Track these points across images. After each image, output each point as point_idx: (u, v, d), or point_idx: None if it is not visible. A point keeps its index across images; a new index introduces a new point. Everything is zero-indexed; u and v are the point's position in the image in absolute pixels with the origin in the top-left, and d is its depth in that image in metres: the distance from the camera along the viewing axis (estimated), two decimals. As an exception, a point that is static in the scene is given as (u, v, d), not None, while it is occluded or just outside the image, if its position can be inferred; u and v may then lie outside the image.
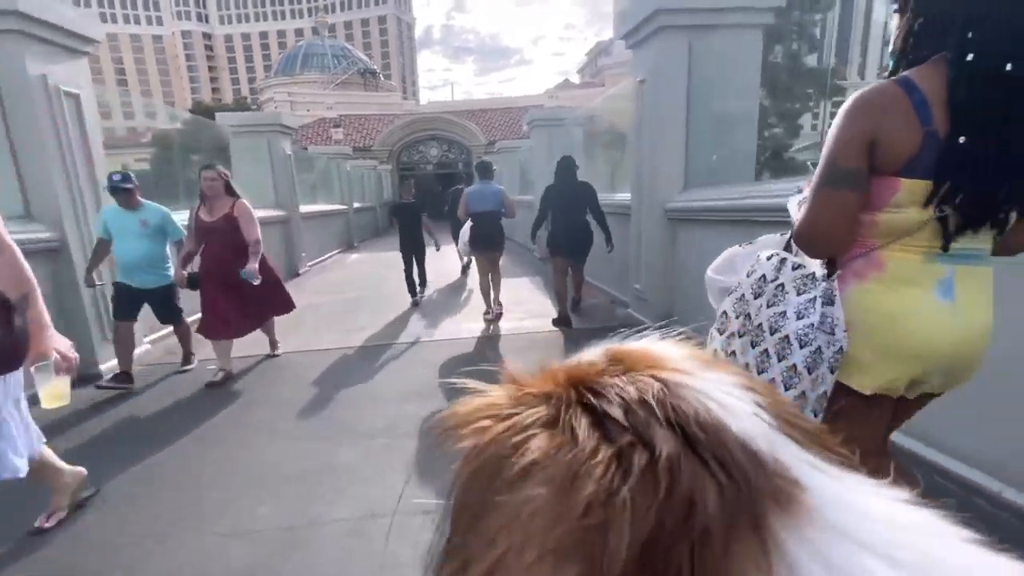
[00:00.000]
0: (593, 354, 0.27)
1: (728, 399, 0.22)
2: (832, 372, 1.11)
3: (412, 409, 3.08)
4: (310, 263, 9.52)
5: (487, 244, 4.89)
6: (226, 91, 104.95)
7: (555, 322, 4.77)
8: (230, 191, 3.67)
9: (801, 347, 1.10)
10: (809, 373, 1.10)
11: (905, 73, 1.04)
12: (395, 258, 6.26)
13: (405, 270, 5.92)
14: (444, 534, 0.24)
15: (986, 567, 0.19)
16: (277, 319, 4.29)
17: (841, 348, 1.09)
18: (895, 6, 1.09)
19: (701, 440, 0.20)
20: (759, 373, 1.16)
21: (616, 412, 0.22)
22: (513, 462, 0.21)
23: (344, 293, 6.91)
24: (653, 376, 0.23)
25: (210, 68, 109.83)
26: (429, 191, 17.49)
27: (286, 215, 8.43)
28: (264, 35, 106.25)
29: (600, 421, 0.22)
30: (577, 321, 4.88)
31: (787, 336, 1.12)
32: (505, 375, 0.27)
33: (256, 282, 3.59)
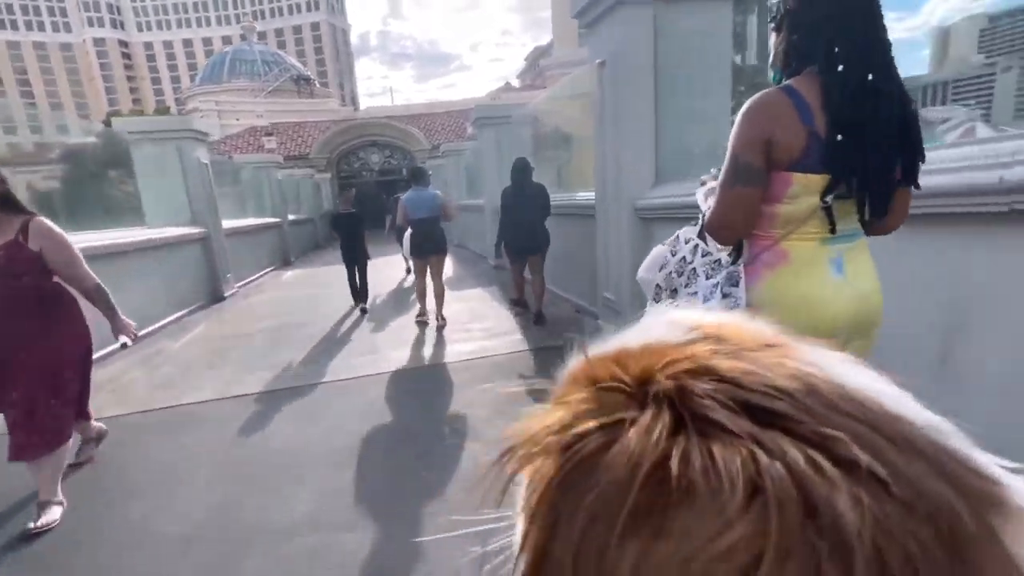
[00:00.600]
0: (601, 349, 0.23)
1: (871, 381, 0.19)
2: None
3: (347, 480, 2.38)
4: (238, 284, 8.49)
5: (428, 249, 4.92)
6: (148, 101, 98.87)
7: (514, 302, 5.23)
8: (9, 205, 2.17)
9: None
10: None
11: (787, 82, 1.20)
12: (335, 273, 6.41)
13: (348, 278, 6.06)
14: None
15: None
16: (193, 356, 3.44)
17: None
18: (772, 25, 1.26)
19: (870, 469, 0.16)
20: None
21: (784, 409, 0.17)
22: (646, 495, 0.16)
23: (273, 318, 6.03)
24: (786, 358, 0.19)
25: (129, 78, 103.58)
26: (375, 198, 16.54)
27: (204, 232, 7.40)
28: (188, 43, 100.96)
29: (722, 427, 0.17)
30: (542, 336, 4.39)
31: None
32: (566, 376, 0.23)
33: (131, 343, 2.53)
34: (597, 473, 0.17)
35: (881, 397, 0.18)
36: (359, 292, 5.99)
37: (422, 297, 5.19)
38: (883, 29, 1.15)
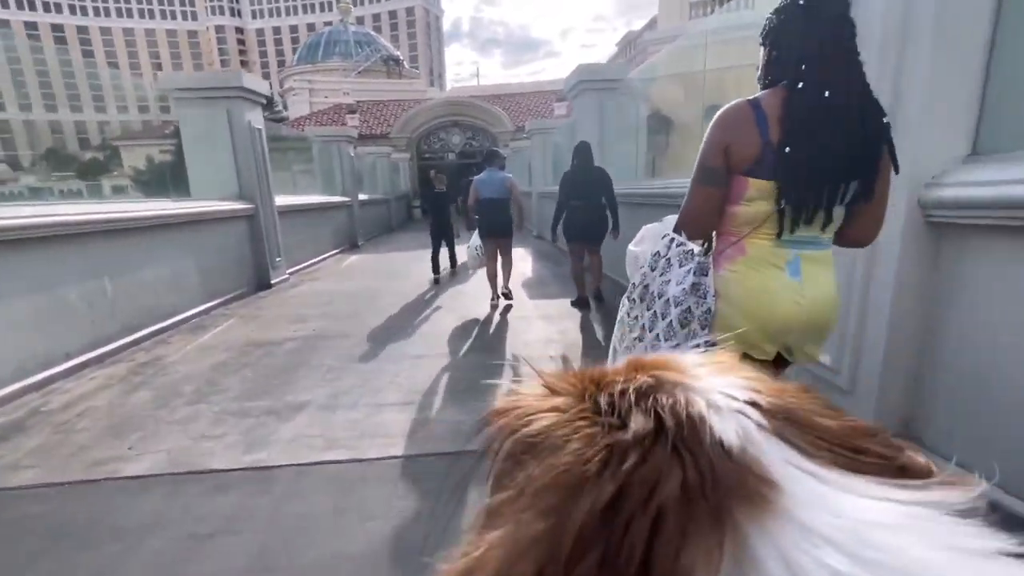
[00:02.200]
0: (622, 361, 0.29)
1: (719, 399, 0.23)
2: (703, 328, 1.31)
3: None
4: (290, 270, 7.51)
5: (494, 230, 4.97)
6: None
7: (573, 304, 4.94)
8: None
9: (675, 306, 1.34)
10: (682, 328, 1.32)
11: (757, 95, 1.29)
12: (403, 261, 7.15)
13: (432, 254, 6.68)
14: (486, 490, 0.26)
15: (970, 569, 0.18)
16: (184, 376, 2.22)
17: (709, 309, 1.31)
18: (760, 40, 1.32)
19: (675, 431, 0.22)
20: (650, 331, 1.38)
21: (604, 401, 0.25)
22: (525, 440, 0.25)
23: (314, 320, 4.82)
24: (653, 375, 0.26)
25: (243, 63, 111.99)
26: (459, 180, 15.40)
27: (251, 208, 6.40)
28: (294, 28, 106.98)
29: (595, 409, 0.25)
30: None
31: (668, 299, 1.35)
32: (538, 374, 0.29)
33: None
34: (519, 428, 0.26)
35: (694, 409, 0.23)
36: (451, 263, 6.97)
37: (493, 281, 5.18)
38: (853, 51, 1.20)
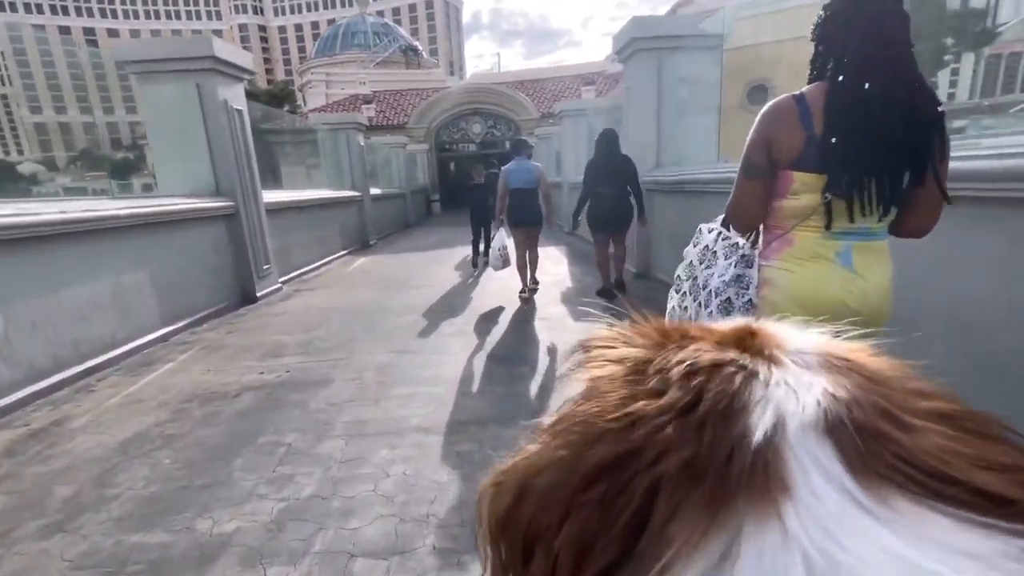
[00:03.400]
0: (728, 323, 0.29)
1: (780, 394, 0.22)
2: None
3: None
4: (284, 278, 6.40)
5: (524, 220, 4.81)
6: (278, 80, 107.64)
7: (598, 293, 4.86)
8: None
9: (716, 296, 1.37)
10: (723, 317, 1.22)
11: (802, 89, 1.28)
12: (419, 262, 7.28)
13: (473, 242, 6.98)
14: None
15: None
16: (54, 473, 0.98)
17: (750, 300, 1.35)
18: (811, 36, 1.32)
19: (707, 410, 0.22)
20: (695, 319, 1.41)
21: (660, 365, 0.25)
22: (585, 380, 0.27)
23: (287, 355, 3.65)
24: (729, 353, 0.25)
25: (265, 60, 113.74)
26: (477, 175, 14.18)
27: (231, 206, 5.27)
28: (316, 25, 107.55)
29: (651, 369, 0.25)
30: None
31: (712, 290, 1.39)
32: (635, 317, 0.30)
33: None
34: (593, 370, 0.27)
35: (740, 398, 0.22)
36: (486, 248, 6.53)
37: (523, 271, 5.02)
38: (901, 39, 1.18)
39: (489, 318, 4.40)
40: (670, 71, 5.12)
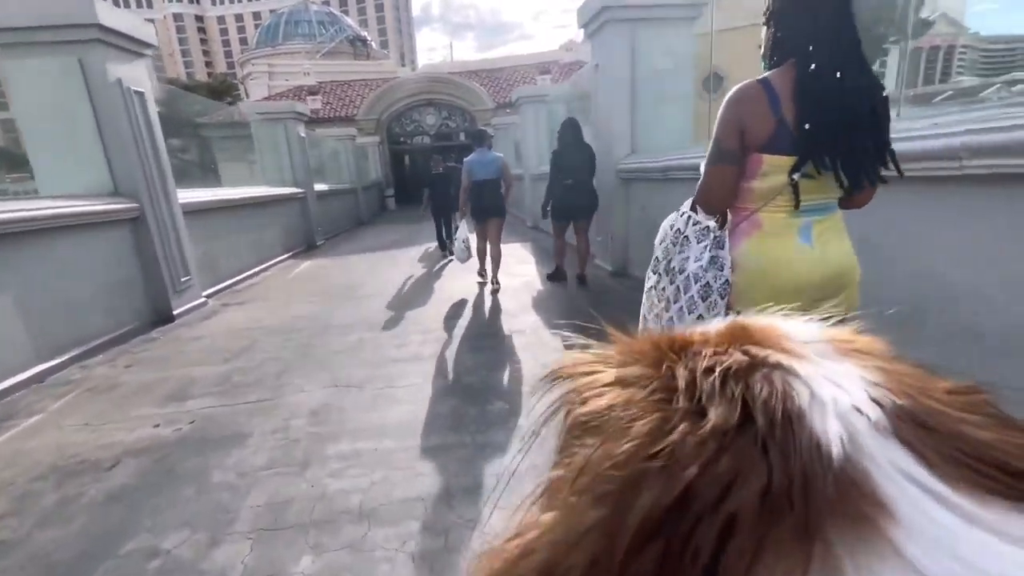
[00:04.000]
0: (717, 324, 0.26)
1: (828, 390, 0.19)
2: (722, 298, 1.36)
3: None
4: (212, 290, 5.51)
5: (487, 211, 4.82)
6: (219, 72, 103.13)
7: (549, 277, 5.07)
8: None
9: (696, 282, 1.39)
10: (703, 301, 1.38)
11: (766, 74, 1.31)
12: (370, 264, 7.00)
13: (436, 230, 7.40)
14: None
15: None
16: None
17: (727, 281, 1.37)
18: (762, 21, 1.36)
19: (765, 427, 0.18)
20: (674, 303, 1.44)
21: (683, 378, 0.21)
22: (586, 417, 0.22)
23: (194, 397, 2.87)
24: (748, 352, 0.22)
25: (204, 52, 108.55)
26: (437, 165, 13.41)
27: (134, 208, 4.37)
28: (258, 16, 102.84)
29: (670, 386, 0.21)
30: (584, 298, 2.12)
31: (689, 274, 1.40)
32: (613, 335, 0.26)
33: None
34: (579, 397, 0.23)
35: (793, 401, 0.19)
36: (448, 237, 7.00)
37: (482, 257, 5.12)
38: (853, 28, 1.25)
39: (452, 333, 3.73)
40: (645, 45, 4.55)
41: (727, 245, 1.38)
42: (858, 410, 0.18)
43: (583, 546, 0.18)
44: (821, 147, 1.24)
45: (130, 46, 4.44)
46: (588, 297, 4.48)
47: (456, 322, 4.02)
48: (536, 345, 3.34)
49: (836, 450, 0.17)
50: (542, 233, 8.32)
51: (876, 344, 0.24)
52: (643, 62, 4.61)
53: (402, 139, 20.02)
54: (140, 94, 4.50)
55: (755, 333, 0.23)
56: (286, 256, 8.14)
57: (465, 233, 5.02)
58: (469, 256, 5.12)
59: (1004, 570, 0.14)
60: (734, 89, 1.31)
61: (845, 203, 1.40)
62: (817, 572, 0.15)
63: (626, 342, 0.25)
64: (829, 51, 1.22)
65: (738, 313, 0.30)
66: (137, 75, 4.54)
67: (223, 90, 34.48)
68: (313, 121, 16.72)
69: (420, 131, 19.96)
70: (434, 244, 7.78)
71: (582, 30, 5.10)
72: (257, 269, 6.93)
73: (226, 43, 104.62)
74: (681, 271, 1.42)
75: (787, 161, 1.27)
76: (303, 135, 9.30)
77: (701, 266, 1.38)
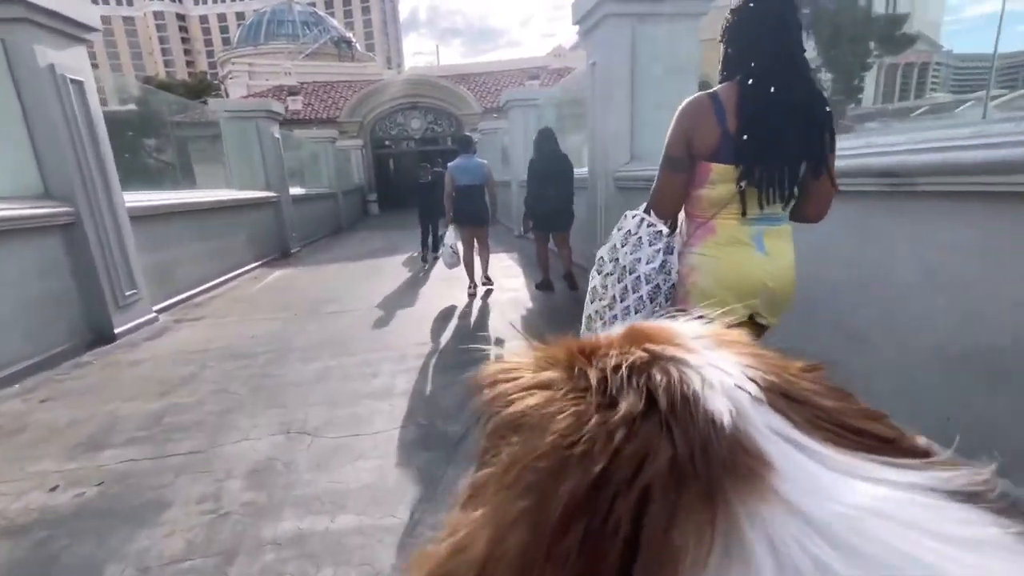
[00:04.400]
0: (617, 330, 0.28)
1: (714, 375, 0.22)
2: (667, 301, 1.43)
3: None
4: (163, 304, 4.94)
5: (472, 219, 4.79)
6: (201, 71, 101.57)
7: (538, 286, 4.92)
8: None
9: (647, 283, 1.43)
10: (651, 302, 1.43)
11: (715, 88, 1.38)
12: (348, 274, 6.49)
13: (422, 237, 7.26)
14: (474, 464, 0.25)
15: (971, 565, 0.16)
16: None
17: (673, 285, 1.44)
18: (719, 38, 1.41)
19: (666, 407, 0.21)
20: (621, 301, 1.48)
21: (594, 377, 0.23)
22: (510, 419, 0.23)
23: (116, 445, 2.35)
24: (647, 349, 0.24)
25: (186, 51, 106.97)
26: (424, 174, 12.88)
27: (69, 212, 3.82)
28: (241, 15, 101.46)
29: (584, 385, 0.23)
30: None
31: (640, 275, 1.44)
32: (530, 343, 0.28)
33: None
34: (504, 401, 0.25)
35: (688, 386, 0.22)
36: (433, 245, 7.11)
37: (470, 269, 4.93)
38: (797, 46, 1.31)
39: (431, 360, 3.26)
40: (646, 44, 4.15)
41: (676, 251, 1.45)
42: (740, 388, 0.22)
43: (512, 536, 0.19)
44: (754, 158, 1.30)
45: (67, 28, 3.89)
46: (579, 309, 4.05)
47: (437, 346, 3.54)
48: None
49: (727, 420, 0.20)
50: (529, 242, 7.89)
51: (743, 336, 0.28)
52: (644, 61, 4.19)
53: (387, 143, 19.46)
54: (79, 83, 3.95)
55: (651, 334, 0.26)
56: (256, 265, 7.56)
57: (451, 239, 4.86)
58: (456, 263, 4.91)
59: (858, 500, 0.18)
60: (685, 101, 1.38)
61: (797, 215, 1.44)
62: (721, 524, 0.18)
63: (543, 349, 0.28)
64: (767, 67, 1.29)
65: (690, 313, 0.32)
66: (75, 62, 4.00)
67: (202, 89, 33.49)
68: (293, 122, 16.12)
69: (405, 135, 19.43)
70: (418, 251, 7.57)
71: (575, 32, 4.68)
72: (221, 280, 6.35)
73: (208, 43, 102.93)
74: (631, 271, 1.47)
75: (732, 170, 1.33)
76: (277, 136, 8.74)
77: (654, 268, 1.43)
